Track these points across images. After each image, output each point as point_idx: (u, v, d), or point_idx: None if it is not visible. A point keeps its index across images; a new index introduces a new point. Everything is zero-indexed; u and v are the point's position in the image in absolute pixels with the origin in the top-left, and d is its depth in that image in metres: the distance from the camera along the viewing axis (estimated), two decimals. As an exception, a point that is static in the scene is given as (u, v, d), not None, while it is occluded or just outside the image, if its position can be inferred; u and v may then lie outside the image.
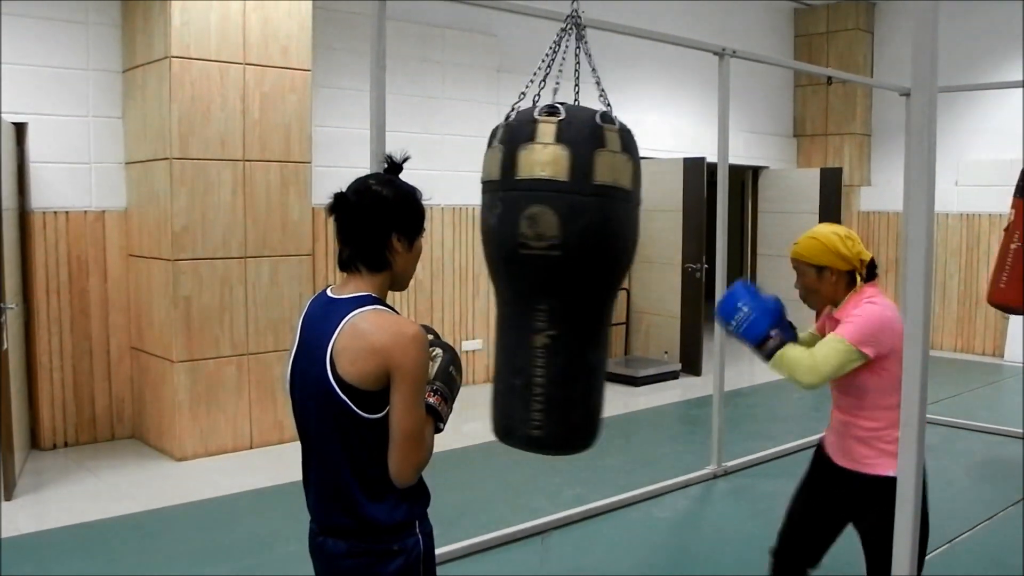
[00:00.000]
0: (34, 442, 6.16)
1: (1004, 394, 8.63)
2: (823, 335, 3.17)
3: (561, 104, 2.88)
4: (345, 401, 2.03)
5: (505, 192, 2.57)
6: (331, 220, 2.17)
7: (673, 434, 7.31)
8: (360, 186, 2.17)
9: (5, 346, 5.17)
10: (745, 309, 2.99)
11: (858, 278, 3.05)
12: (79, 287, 6.23)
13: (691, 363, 9.16)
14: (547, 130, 2.71)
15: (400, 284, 2.22)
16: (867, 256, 3.05)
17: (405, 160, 2.25)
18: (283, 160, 6.30)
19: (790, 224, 10.94)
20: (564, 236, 2.60)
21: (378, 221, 2.13)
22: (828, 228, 3.13)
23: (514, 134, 2.76)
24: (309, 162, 6.46)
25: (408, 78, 7.66)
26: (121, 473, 5.76)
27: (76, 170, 6.18)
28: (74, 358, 6.24)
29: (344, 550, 2.11)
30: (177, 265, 5.89)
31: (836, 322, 3.03)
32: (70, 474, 5.70)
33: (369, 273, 2.14)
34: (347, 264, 2.16)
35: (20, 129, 5.92)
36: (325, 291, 2.21)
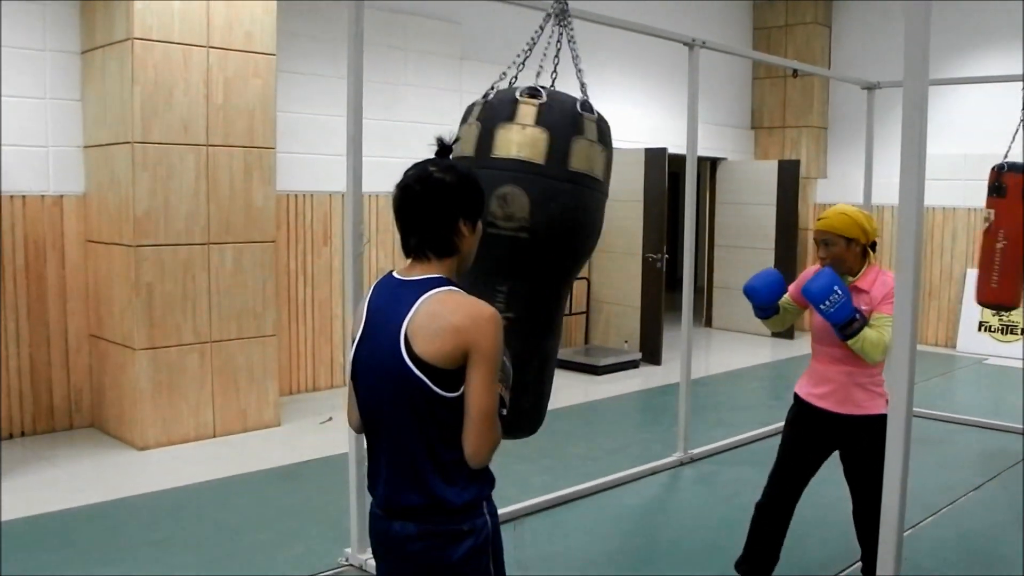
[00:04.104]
0: (-11, 431, 6.03)
1: (959, 384, 8.81)
2: (797, 302, 3.76)
3: (543, 88, 2.89)
4: (422, 379, 2.02)
5: (478, 169, 2.54)
6: (392, 210, 2.15)
7: (636, 422, 7.35)
8: (422, 174, 2.13)
9: (-38, 333, 5.05)
10: (839, 292, 3.34)
11: (870, 252, 3.55)
12: (36, 273, 6.10)
13: (651, 352, 9.21)
14: (528, 111, 2.70)
15: (465, 265, 2.22)
16: (879, 235, 3.55)
17: (456, 141, 2.24)
18: (247, 145, 6.21)
19: (748, 215, 11.07)
20: (534, 219, 2.62)
21: (445, 208, 2.12)
22: (852, 207, 3.57)
23: (494, 112, 2.74)
24: (273, 148, 6.38)
25: (370, 64, 7.47)
26: (80, 463, 5.66)
27: (33, 153, 6.04)
28: (31, 346, 6.10)
29: (414, 532, 2.11)
30: (139, 251, 5.78)
31: (859, 291, 3.48)
32: (28, 464, 5.58)
33: (438, 259, 2.14)
34: (415, 251, 2.15)
35: (-25, 111, 5.78)
36: (391, 274, 2.20)
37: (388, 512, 2.17)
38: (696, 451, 5.92)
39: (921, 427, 6.68)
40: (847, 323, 3.35)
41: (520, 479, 5.38)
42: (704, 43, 5.61)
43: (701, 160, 11.34)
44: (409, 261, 2.18)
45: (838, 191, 11.41)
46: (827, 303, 3.34)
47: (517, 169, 2.64)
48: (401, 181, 2.16)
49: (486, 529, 2.15)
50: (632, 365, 9.07)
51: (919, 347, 7.85)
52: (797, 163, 10.96)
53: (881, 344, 3.35)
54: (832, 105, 11.69)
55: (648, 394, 8.12)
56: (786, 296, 3.81)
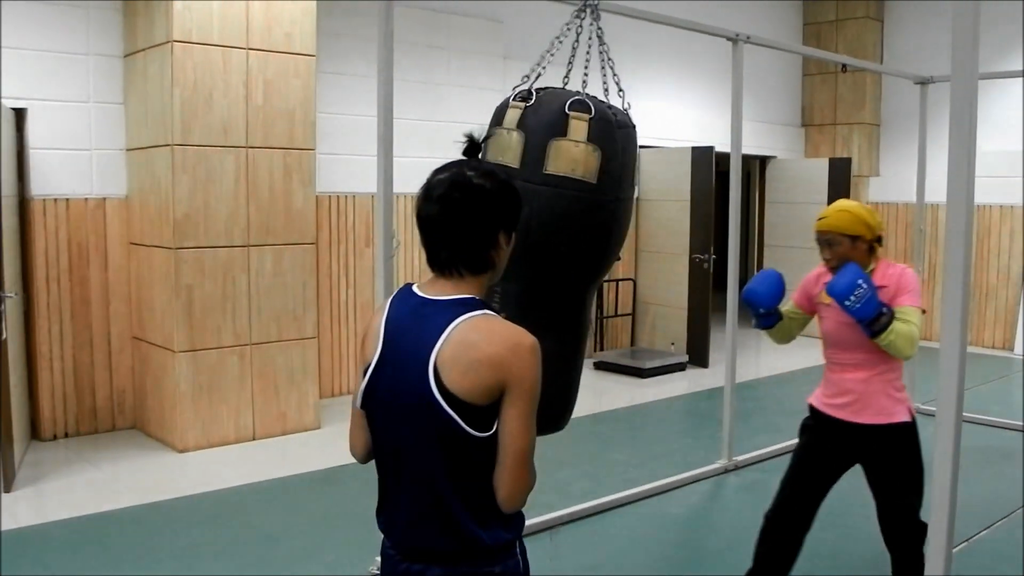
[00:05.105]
0: (34, 433, 6.07)
1: (1016, 388, 8.52)
2: (803, 308, 3.64)
3: (541, 89, 2.83)
4: (453, 418, 1.81)
5: None
6: (417, 219, 1.93)
7: (681, 427, 7.22)
8: (458, 178, 1.89)
9: (4, 335, 5.08)
10: (864, 287, 3.18)
11: (876, 248, 3.38)
12: (80, 275, 6.14)
13: (698, 354, 9.07)
14: (513, 116, 2.71)
15: (497, 278, 2.01)
16: (884, 229, 3.41)
17: (487, 139, 2.02)
18: (287, 147, 6.19)
19: (798, 215, 10.85)
20: None
21: (485, 220, 1.89)
22: (852, 203, 3.44)
23: (493, 118, 2.76)
24: (313, 149, 6.36)
25: (413, 64, 7.54)
26: (122, 465, 5.67)
27: (77, 156, 6.08)
28: (75, 348, 6.15)
29: (440, 575, 1.91)
30: (179, 253, 5.79)
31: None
32: (70, 465, 5.61)
33: (471, 276, 1.91)
34: (446, 266, 1.91)
35: (20, 115, 5.82)
36: (410, 289, 1.97)
37: (408, 555, 1.96)
38: (741, 458, 5.78)
39: (974, 434, 6.47)
40: (875, 318, 3.17)
41: (560, 485, 5.28)
42: (748, 38, 5.47)
43: (750, 158, 11.17)
44: (432, 275, 1.95)
45: (891, 189, 11.16)
46: (852, 299, 3.17)
47: None
48: (434, 189, 1.89)
49: (517, 570, 1.96)
50: (679, 368, 8.92)
51: (975, 350, 7.61)
52: (848, 161, 10.73)
53: (911, 337, 3.18)
54: (885, 101, 11.43)
55: (694, 398, 7.98)
56: (790, 304, 3.67)
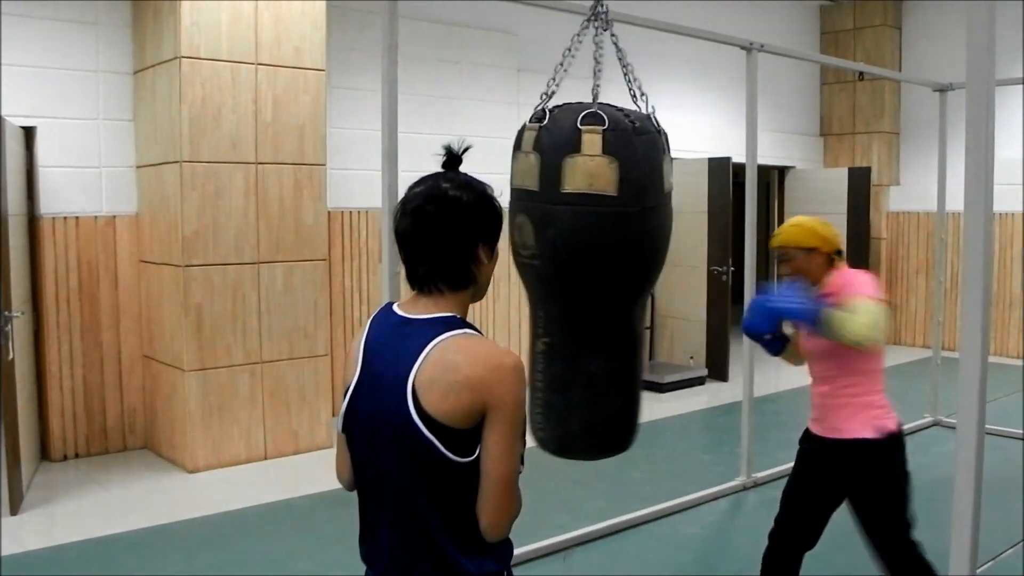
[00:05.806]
0: (44, 453, 6.02)
1: (1042, 399, 8.34)
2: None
3: (552, 109, 2.76)
4: (433, 443, 1.72)
5: (509, 200, 2.63)
6: (395, 235, 1.87)
7: (700, 443, 7.10)
8: (433, 191, 1.83)
9: (12, 355, 5.04)
10: (789, 291, 3.17)
11: (835, 259, 3.36)
12: (89, 294, 6.09)
13: (718, 368, 8.94)
14: (529, 138, 2.71)
15: (480, 295, 1.93)
16: (840, 242, 3.41)
17: (465, 151, 1.94)
18: (297, 162, 6.13)
19: (818, 225, 10.71)
20: (539, 246, 2.62)
21: (462, 233, 1.82)
22: (805, 218, 3.48)
23: (514, 143, 2.78)
24: (323, 164, 6.30)
25: (426, 78, 7.49)
26: (131, 486, 5.61)
27: (86, 174, 6.04)
28: (84, 367, 6.09)
29: None
30: (188, 271, 5.73)
31: (826, 298, 3.23)
32: (80, 487, 5.55)
33: (452, 292, 1.85)
34: (424, 282, 1.84)
35: (29, 133, 5.79)
36: (390, 308, 1.91)
37: None
38: (760, 475, 5.65)
39: (999, 447, 6.31)
40: (805, 312, 3.09)
41: (574, 505, 5.17)
42: (762, 47, 5.37)
43: (769, 169, 11.04)
44: (413, 294, 1.88)
45: (912, 198, 11.02)
46: (768, 337, 3.28)
47: (520, 198, 2.65)
48: (408, 201, 1.84)
49: None
50: (698, 382, 8.81)
51: (998, 360, 7.42)
52: (868, 170, 10.59)
53: (852, 319, 2.98)
54: (904, 109, 11.29)
55: (713, 412, 7.85)
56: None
